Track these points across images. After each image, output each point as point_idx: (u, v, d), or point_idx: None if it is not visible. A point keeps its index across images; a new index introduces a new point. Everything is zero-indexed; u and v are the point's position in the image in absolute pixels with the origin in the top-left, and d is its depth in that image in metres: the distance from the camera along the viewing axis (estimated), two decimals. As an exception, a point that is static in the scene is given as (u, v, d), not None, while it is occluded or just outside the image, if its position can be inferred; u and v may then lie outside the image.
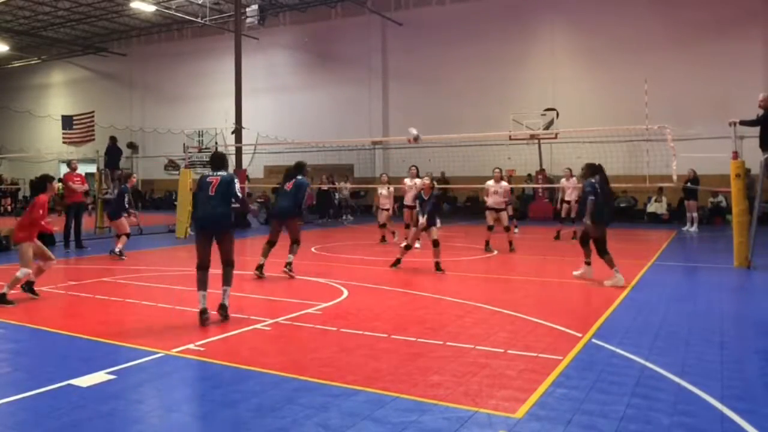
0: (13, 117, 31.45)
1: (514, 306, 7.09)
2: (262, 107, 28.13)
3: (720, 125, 13.03)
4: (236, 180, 6.78)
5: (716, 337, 5.77)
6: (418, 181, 13.49)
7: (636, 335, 5.83)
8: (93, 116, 27.08)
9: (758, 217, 10.78)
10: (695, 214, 17.56)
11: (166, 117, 31.73)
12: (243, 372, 4.74)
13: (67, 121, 28.62)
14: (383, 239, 14.63)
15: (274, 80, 29.46)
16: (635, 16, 22.23)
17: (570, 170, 15.57)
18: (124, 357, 5.09)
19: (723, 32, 20.92)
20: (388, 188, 15.02)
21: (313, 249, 13.17)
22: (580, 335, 5.74)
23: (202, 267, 6.64)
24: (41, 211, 7.72)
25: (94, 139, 20.11)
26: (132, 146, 19.57)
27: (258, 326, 6.18)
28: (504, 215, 12.75)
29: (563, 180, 15.68)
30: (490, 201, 12.74)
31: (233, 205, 6.67)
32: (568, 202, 15.30)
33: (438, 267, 9.73)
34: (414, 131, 13.10)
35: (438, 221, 10.09)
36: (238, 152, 20.90)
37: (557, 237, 14.98)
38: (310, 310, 6.92)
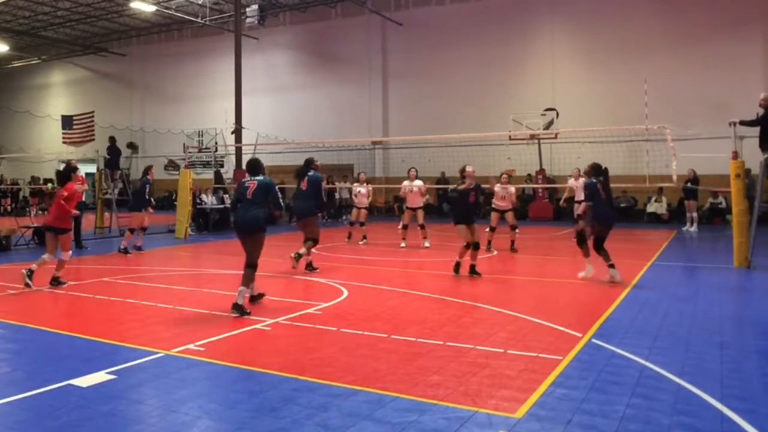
0: (13, 117, 31.45)
1: (514, 306, 7.09)
2: (262, 107, 28.13)
3: (720, 125, 13.02)
4: (275, 186, 7.22)
5: (716, 337, 5.77)
6: (418, 182, 13.50)
7: (636, 335, 5.83)
8: (93, 116, 27.08)
9: (758, 217, 10.78)
10: (695, 214, 17.56)
11: (166, 117, 31.73)
12: (243, 372, 4.74)
13: (67, 121, 28.63)
14: (350, 236, 14.79)
15: (274, 80, 29.46)
16: (635, 16, 22.22)
17: (579, 170, 15.54)
18: (124, 357, 5.09)
19: (723, 32, 20.91)
20: (366, 187, 15.09)
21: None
22: (580, 335, 5.74)
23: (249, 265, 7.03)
24: (66, 193, 8.56)
25: (94, 139, 20.11)
26: (132, 146, 19.58)
27: (258, 326, 6.18)
28: (510, 214, 12.80)
29: (571, 180, 15.62)
30: (500, 204, 12.78)
31: (274, 212, 7.18)
32: (579, 202, 15.32)
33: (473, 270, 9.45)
34: None
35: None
36: (238, 152, 20.90)
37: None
38: (310, 310, 6.92)
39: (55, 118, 29.29)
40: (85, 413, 3.90)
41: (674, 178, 12.24)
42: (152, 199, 13.21)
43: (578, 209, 15.36)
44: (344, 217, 22.31)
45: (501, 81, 24.35)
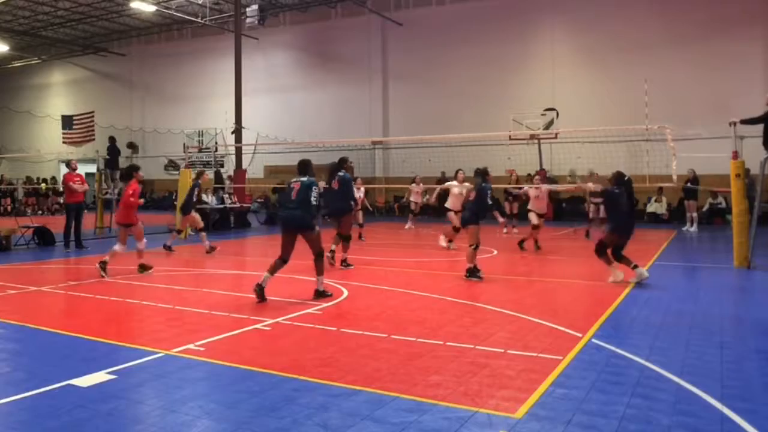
0: (13, 117, 31.45)
1: (514, 306, 7.09)
2: (262, 107, 28.14)
3: (720, 125, 13.02)
4: (315, 186, 7.56)
5: (716, 337, 5.77)
6: (467, 185, 13.44)
7: (636, 335, 5.83)
8: (93, 116, 27.04)
9: (758, 217, 10.78)
10: (695, 214, 17.56)
11: (166, 117, 31.73)
12: (243, 372, 4.74)
13: (67, 121, 28.55)
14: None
15: (274, 80, 29.46)
16: (635, 16, 22.23)
17: (595, 173, 15.50)
18: (124, 357, 5.09)
19: (723, 32, 20.92)
20: (359, 189, 15.27)
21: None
22: (580, 335, 5.74)
23: (281, 259, 7.51)
24: (131, 191, 9.74)
25: (94, 139, 20.08)
26: (132, 146, 19.57)
27: (258, 326, 6.18)
28: (533, 215, 12.96)
29: (590, 184, 15.56)
30: (535, 206, 12.89)
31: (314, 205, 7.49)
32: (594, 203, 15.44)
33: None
34: None
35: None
36: (238, 152, 20.90)
37: (587, 236, 15.13)
38: (310, 310, 6.92)
39: (55, 118, 29.23)
40: (85, 413, 3.90)
41: (674, 178, 12.24)
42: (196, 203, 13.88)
43: (592, 211, 15.47)
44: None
45: (501, 81, 24.35)
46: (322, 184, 9.89)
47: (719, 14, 21.04)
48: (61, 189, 20.34)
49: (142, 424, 3.79)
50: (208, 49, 30.76)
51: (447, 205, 13.01)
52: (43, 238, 14.09)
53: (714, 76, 20.74)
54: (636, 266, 8.69)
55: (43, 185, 30.28)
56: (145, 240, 9.96)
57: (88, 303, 7.54)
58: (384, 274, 9.91)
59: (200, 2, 26.62)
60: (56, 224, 15.11)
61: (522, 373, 4.64)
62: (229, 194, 19.62)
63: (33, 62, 36.00)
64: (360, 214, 15.00)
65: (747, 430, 3.65)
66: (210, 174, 16.37)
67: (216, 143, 26.42)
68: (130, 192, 9.76)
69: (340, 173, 10.27)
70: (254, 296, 7.34)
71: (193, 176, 15.99)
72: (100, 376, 4.57)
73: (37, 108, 33.05)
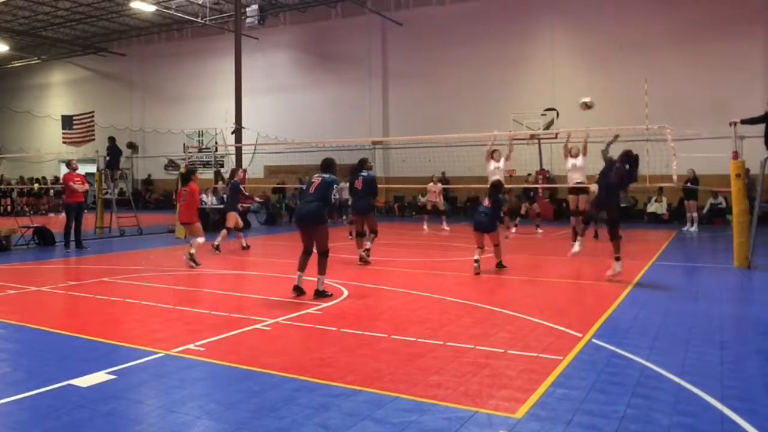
0: (13, 117, 31.45)
1: (514, 306, 7.09)
2: (262, 107, 28.13)
3: (720, 125, 13.01)
4: (336, 185, 7.71)
5: (716, 337, 5.77)
6: None
7: (636, 335, 5.83)
8: (93, 116, 27.06)
9: (758, 217, 10.77)
10: (695, 214, 17.56)
11: (166, 117, 31.72)
12: (243, 372, 4.74)
13: (67, 121, 28.56)
14: (351, 234, 14.96)
15: (274, 80, 29.46)
16: (635, 16, 22.21)
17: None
18: (124, 357, 5.09)
19: (723, 32, 20.91)
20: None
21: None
22: (580, 335, 5.74)
23: (304, 252, 7.70)
24: (184, 192, 10.82)
25: (94, 139, 20.11)
26: (132, 146, 19.60)
27: (258, 326, 6.18)
28: (582, 198, 12.69)
29: (593, 186, 15.44)
30: (573, 180, 12.68)
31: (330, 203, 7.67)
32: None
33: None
34: (586, 99, 13.52)
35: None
36: (238, 152, 20.90)
37: (596, 236, 14.96)
38: (310, 310, 6.92)
39: (55, 118, 29.24)
40: (85, 413, 3.90)
41: (674, 178, 12.23)
42: (242, 199, 14.13)
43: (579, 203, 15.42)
44: (344, 217, 22.31)
45: (501, 81, 24.34)
46: (343, 184, 10.19)
47: (719, 14, 21.03)
48: (59, 188, 20.33)
49: (142, 425, 3.79)
50: (208, 49, 30.75)
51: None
52: (43, 238, 14.10)
53: (714, 76, 20.73)
54: (618, 258, 8.68)
55: (36, 185, 30.21)
56: (203, 238, 10.69)
57: (88, 303, 7.54)
58: (384, 274, 9.91)
59: (200, 2, 26.62)
60: (56, 224, 15.12)
61: (522, 373, 4.64)
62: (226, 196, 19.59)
63: (33, 62, 35.99)
64: None
65: (747, 430, 3.65)
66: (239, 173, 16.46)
67: (216, 143, 26.41)
68: (193, 191, 10.69)
69: (363, 173, 10.61)
70: (292, 294, 7.60)
71: (227, 176, 16.41)
72: (99, 377, 4.57)
73: (37, 108, 33.04)
